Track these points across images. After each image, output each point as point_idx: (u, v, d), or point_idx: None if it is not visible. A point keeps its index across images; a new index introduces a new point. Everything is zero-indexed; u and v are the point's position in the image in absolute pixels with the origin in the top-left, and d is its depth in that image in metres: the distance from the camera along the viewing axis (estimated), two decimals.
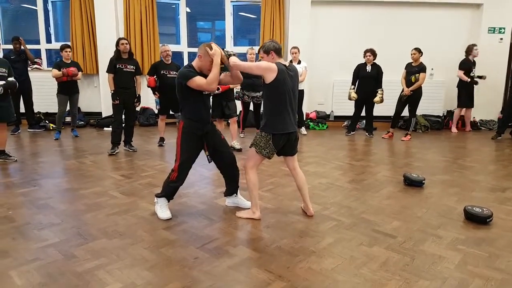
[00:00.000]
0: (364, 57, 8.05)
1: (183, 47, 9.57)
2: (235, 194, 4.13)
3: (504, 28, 9.19)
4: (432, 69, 8.95)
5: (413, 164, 6.08)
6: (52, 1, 9.48)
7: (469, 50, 8.55)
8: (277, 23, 9.10)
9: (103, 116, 9.17)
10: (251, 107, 7.80)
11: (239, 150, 6.67)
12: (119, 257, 3.03)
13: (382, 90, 7.90)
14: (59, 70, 7.31)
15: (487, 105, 9.29)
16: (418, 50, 7.79)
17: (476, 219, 3.77)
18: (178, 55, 9.45)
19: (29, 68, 8.41)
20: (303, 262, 2.99)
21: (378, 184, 4.99)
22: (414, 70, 7.80)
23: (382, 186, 4.91)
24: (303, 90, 8.09)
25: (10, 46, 8.15)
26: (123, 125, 6.64)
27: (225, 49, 3.70)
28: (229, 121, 6.96)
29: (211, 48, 3.55)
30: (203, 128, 3.73)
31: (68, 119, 8.23)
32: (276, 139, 3.61)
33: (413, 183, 4.90)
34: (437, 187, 4.90)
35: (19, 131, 8.19)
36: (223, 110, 6.67)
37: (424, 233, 3.53)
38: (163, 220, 3.75)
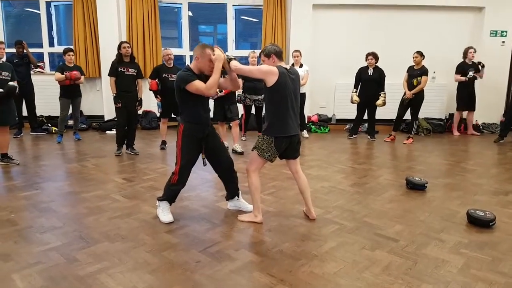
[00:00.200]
0: (366, 60, 8.05)
1: (185, 50, 9.59)
2: (236, 198, 4.13)
3: (506, 31, 9.18)
4: (434, 72, 8.94)
5: (415, 167, 6.07)
6: (55, 5, 9.52)
7: (465, 53, 8.55)
8: (279, 26, 9.11)
9: (105, 119, 9.18)
10: (253, 110, 7.80)
11: (241, 153, 6.68)
12: (121, 260, 3.03)
13: (385, 93, 7.89)
14: (62, 74, 7.33)
15: (489, 108, 9.27)
16: (420, 54, 7.79)
17: (479, 223, 3.76)
18: (180, 59, 9.48)
19: (31, 72, 8.43)
20: (305, 266, 2.98)
21: (380, 188, 4.98)
22: (416, 73, 7.80)
23: (384, 190, 4.90)
24: (305, 93, 8.09)
25: (13, 50, 8.17)
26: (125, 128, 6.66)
27: (226, 53, 3.71)
28: (231, 124, 6.96)
29: (213, 51, 3.56)
30: (203, 130, 3.73)
31: (70, 122, 8.24)
32: (278, 142, 3.61)
33: (415, 187, 4.89)
34: (439, 191, 4.89)
35: (22, 134, 8.20)
36: (225, 113, 6.68)
37: (427, 237, 3.52)
38: (165, 223, 3.75)
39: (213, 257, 3.10)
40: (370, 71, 8.03)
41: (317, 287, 2.70)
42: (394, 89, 8.43)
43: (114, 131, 7.70)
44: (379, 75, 7.96)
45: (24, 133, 8.29)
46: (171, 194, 3.83)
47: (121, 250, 3.20)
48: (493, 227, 3.74)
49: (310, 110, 9.36)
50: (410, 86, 7.85)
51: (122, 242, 3.36)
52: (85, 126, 9.05)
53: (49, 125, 8.76)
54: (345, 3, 9.12)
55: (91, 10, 8.98)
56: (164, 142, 7.15)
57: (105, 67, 8.07)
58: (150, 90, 6.88)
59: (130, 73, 6.46)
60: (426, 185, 4.89)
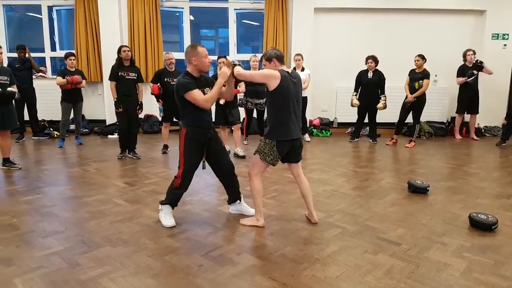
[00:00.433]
0: (366, 63, 8.06)
1: None
2: (238, 201, 4.12)
3: (507, 34, 9.18)
4: (435, 75, 8.93)
5: (417, 170, 6.06)
6: (56, 10, 9.56)
7: (464, 55, 8.54)
8: (280, 30, 9.12)
9: (107, 123, 9.19)
10: (254, 114, 7.80)
11: (243, 157, 6.68)
12: (123, 265, 3.03)
13: (385, 96, 7.90)
14: (64, 78, 7.35)
15: (491, 112, 9.25)
16: (422, 57, 7.79)
17: (481, 226, 3.75)
18: (181, 63, 9.47)
19: (33, 76, 8.45)
20: (307, 269, 2.97)
21: (382, 191, 4.98)
22: (418, 76, 7.80)
23: (386, 193, 4.89)
24: (306, 97, 8.09)
25: (15, 54, 8.19)
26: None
27: (232, 60, 3.75)
28: (232, 128, 6.97)
29: (206, 56, 3.64)
30: (206, 134, 3.74)
31: (72, 126, 8.26)
32: (280, 145, 3.61)
33: (417, 190, 4.88)
34: (441, 194, 4.88)
35: (24, 138, 8.22)
36: (227, 117, 6.68)
37: (429, 240, 3.52)
38: (167, 227, 3.75)
39: (215, 261, 3.10)
40: (370, 75, 8.04)
41: None
42: (396, 92, 8.43)
43: (116, 135, 7.72)
44: (379, 78, 7.97)
45: (26, 138, 8.30)
46: (173, 198, 3.83)
47: (123, 254, 3.20)
48: (495, 230, 3.73)
49: (311, 114, 9.36)
50: (412, 90, 7.85)
51: (124, 246, 3.36)
52: (87, 130, 9.06)
53: (51, 129, 8.78)
54: (346, 7, 9.13)
55: (93, 14, 9.01)
56: (166, 146, 7.15)
57: (107, 71, 8.08)
58: (152, 94, 6.89)
59: (131, 77, 6.47)
60: (428, 188, 4.88)
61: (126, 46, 6.53)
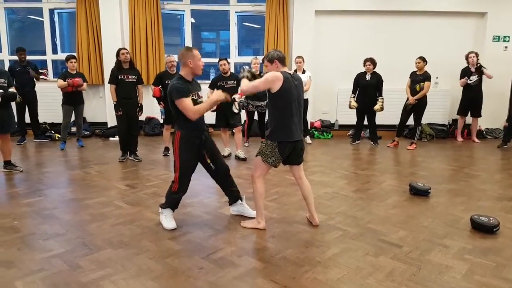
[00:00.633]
0: (364, 66, 8.08)
1: None
2: (240, 201, 4.11)
3: (508, 37, 9.18)
4: (437, 77, 8.93)
5: (418, 173, 6.05)
6: (58, 12, 9.58)
7: (466, 58, 8.53)
8: (281, 32, 9.13)
9: (109, 126, 9.20)
10: (256, 116, 7.80)
11: (244, 159, 6.68)
12: (124, 267, 3.03)
13: (383, 98, 7.92)
14: (65, 81, 7.36)
15: (492, 114, 9.23)
16: (423, 59, 7.79)
17: (483, 229, 3.74)
18: None
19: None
20: (308, 272, 2.97)
21: (383, 194, 4.97)
22: (419, 79, 7.80)
23: (387, 196, 4.89)
24: (307, 99, 8.08)
25: (16, 58, 8.19)
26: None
27: (247, 68, 3.80)
28: (233, 131, 6.97)
29: (200, 59, 3.68)
30: (200, 136, 3.74)
31: (73, 129, 8.27)
32: (282, 147, 3.61)
33: (419, 192, 4.88)
34: (443, 196, 4.87)
35: (25, 141, 8.23)
36: (228, 119, 6.68)
37: (431, 243, 3.51)
38: (168, 230, 3.75)
39: (216, 263, 3.10)
40: (368, 77, 8.05)
41: None
42: (397, 94, 8.43)
43: (117, 138, 7.72)
44: (377, 80, 7.99)
45: (27, 140, 8.31)
46: (173, 201, 3.83)
47: (124, 256, 3.20)
48: (497, 233, 3.72)
49: (312, 116, 9.35)
50: (413, 92, 7.85)
51: (125, 248, 3.36)
52: (88, 133, 9.07)
53: (52, 132, 8.80)
54: (347, 9, 9.14)
55: (94, 17, 9.03)
56: (167, 149, 7.16)
57: (108, 74, 8.06)
58: (154, 97, 6.90)
59: (130, 80, 6.48)
60: (429, 190, 4.88)
61: (125, 49, 6.54)
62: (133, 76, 6.51)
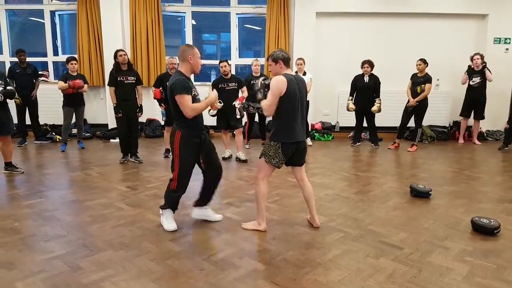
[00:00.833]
0: (361, 68, 8.10)
1: None
2: (205, 206, 4.07)
3: (509, 39, 9.17)
4: (437, 79, 8.93)
5: (419, 175, 6.05)
6: (59, 14, 9.59)
7: (471, 59, 8.52)
8: (282, 34, 9.14)
9: (109, 127, 9.20)
10: (256, 118, 7.81)
11: (245, 161, 6.68)
12: (125, 268, 3.03)
13: (380, 99, 7.93)
14: (65, 82, 7.36)
15: (493, 116, 9.22)
16: (424, 61, 7.79)
17: (484, 231, 3.74)
18: None
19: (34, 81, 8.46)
20: (309, 274, 2.97)
21: (384, 195, 4.97)
22: (420, 81, 7.80)
23: (388, 197, 4.88)
24: (308, 101, 8.06)
25: (17, 59, 8.19)
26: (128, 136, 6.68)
27: (263, 80, 3.81)
28: (234, 132, 6.97)
29: (199, 57, 3.76)
30: (200, 135, 3.75)
31: (74, 131, 8.27)
32: (285, 148, 3.61)
33: (419, 194, 4.87)
34: (444, 198, 4.87)
35: (26, 143, 8.22)
36: (229, 121, 6.68)
37: (431, 245, 3.51)
38: (169, 231, 3.75)
39: (217, 265, 3.10)
40: (366, 79, 8.07)
41: None
42: (398, 96, 8.43)
43: (117, 140, 7.72)
44: (375, 82, 8.00)
45: (28, 142, 8.31)
46: (172, 201, 3.83)
47: (124, 258, 3.20)
48: (497, 234, 3.72)
49: (313, 118, 9.36)
50: (414, 94, 7.84)
51: (126, 250, 3.36)
52: (89, 134, 9.07)
53: (53, 133, 8.80)
54: (348, 11, 9.14)
55: (95, 19, 9.04)
56: (168, 150, 7.15)
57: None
58: (155, 98, 6.90)
59: (130, 81, 6.49)
60: (430, 192, 4.87)
61: (122, 50, 6.53)
62: (132, 78, 6.52)
